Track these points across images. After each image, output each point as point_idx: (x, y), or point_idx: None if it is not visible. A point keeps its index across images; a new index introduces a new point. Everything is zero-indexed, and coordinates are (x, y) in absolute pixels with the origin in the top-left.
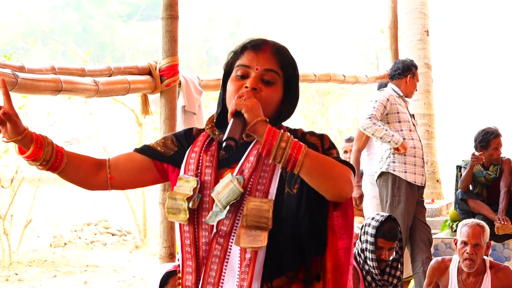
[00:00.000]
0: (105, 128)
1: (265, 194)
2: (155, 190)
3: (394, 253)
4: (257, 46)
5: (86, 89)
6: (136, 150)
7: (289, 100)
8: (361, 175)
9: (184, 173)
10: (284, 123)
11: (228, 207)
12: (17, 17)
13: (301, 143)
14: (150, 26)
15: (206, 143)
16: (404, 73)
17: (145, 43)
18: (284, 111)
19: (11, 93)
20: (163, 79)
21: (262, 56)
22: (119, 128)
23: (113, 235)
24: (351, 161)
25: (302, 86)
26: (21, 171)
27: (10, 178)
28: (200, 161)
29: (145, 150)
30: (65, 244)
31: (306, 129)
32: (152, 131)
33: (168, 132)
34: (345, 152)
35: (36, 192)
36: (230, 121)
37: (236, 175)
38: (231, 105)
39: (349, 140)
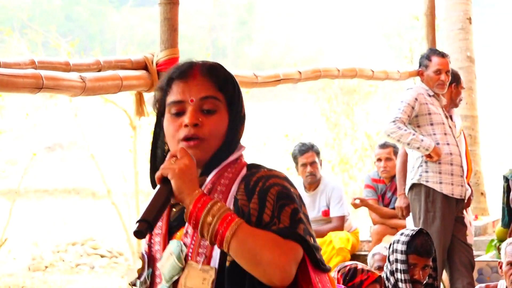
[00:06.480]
0: (93, 132)
1: (207, 260)
2: None
3: (428, 275)
4: (184, 74)
5: (71, 86)
6: None
7: (234, 122)
8: None
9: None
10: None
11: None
12: None
13: (234, 215)
14: (146, 13)
15: None
16: None
17: (140, 33)
18: (230, 137)
19: None
20: (161, 75)
21: (193, 83)
22: (110, 132)
23: (102, 256)
24: (397, 166)
25: (323, 82)
26: None
27: None
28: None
29: None
30: (46, 267)
31: (269, 167)
32: (148, 136)
33: None
34: (379, 160)
35: (12, 207)
36: (155, 190)
37: (183, 237)
38: (158, 171)
39: (384, 146)
